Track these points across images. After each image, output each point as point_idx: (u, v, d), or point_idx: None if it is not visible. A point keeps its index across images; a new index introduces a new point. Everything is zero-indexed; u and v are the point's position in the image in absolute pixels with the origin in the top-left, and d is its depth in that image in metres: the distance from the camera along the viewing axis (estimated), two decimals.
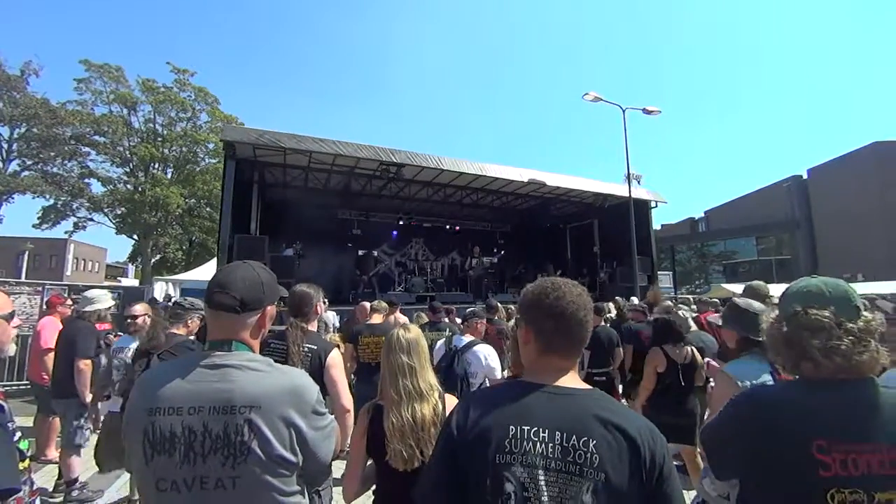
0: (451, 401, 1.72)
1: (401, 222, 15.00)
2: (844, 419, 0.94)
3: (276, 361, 1.22)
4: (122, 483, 4.09)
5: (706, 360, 2.43)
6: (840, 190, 29.67)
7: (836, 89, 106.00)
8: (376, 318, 4.53)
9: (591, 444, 0.90)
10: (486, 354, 3.32)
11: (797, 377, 1.08)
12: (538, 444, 0.91)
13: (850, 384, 0.98)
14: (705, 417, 2.13)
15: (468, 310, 4.10)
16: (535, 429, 0.92)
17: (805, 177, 33.68)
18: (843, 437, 0.92)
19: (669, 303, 4.55)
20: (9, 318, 1.41)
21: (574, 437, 0.91)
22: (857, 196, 28.44)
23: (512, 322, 6.26)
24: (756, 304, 2.16)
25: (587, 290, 1.14)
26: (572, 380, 1.04)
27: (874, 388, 0.98)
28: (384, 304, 4.82)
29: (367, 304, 5.37)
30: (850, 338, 0.98)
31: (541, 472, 0.88)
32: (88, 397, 3.74)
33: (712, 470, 1.15)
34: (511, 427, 0.93)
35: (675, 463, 3.83)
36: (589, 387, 1.04)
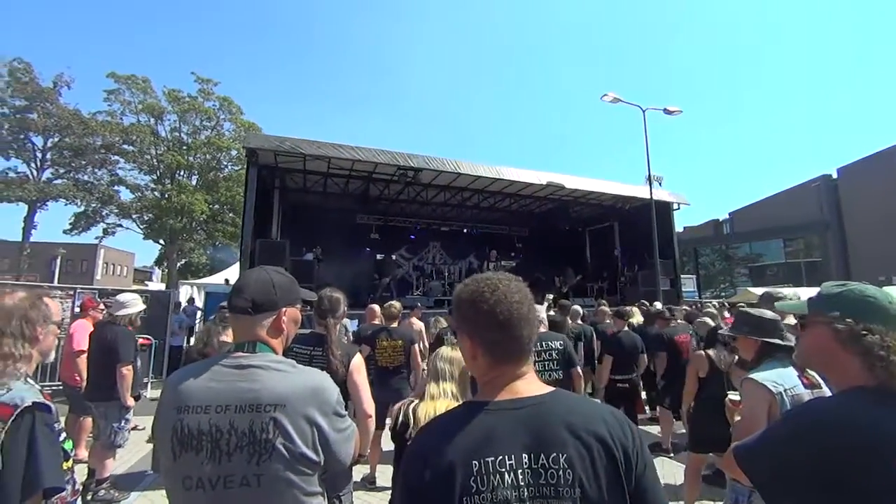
0: None
1: (418, 226, 15.06)
2: None
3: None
4: (147, 484, 4.19)
5: (728, 399, 2.39)
6: (873, 189, 28.53)
7: (868, 84, 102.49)
8: (392, 322, 4.53)
9: (561, 460, 0.82)
10: None
11: (851, 387, 1.04)
12: (506, 474, 0.81)
13: None
14: (732, 430, 2.08)
15: None
16: (501, 457, 0.82)
17: (835, 176, 32.56)
18: None
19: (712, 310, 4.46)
20: (59, 325, 1.48)
21: (542, 455, 0.83)
22: (892, 195, 27.31)
23: None
24: (767, 312, 2.18)
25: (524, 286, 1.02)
26: (531, 384, 0.94)
27: None
28: (398, 306, 4.73)
29: (377, 307, 5.39)
30: None
31: None
32: (130, 400, 3.86)
33: (766, 496, 1.07)
34: (474, 462, 0.81)
35: (707, 472, 3.62)
36: (549, 388, 0.95)
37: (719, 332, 3.47)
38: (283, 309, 1.26)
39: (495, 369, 0.94)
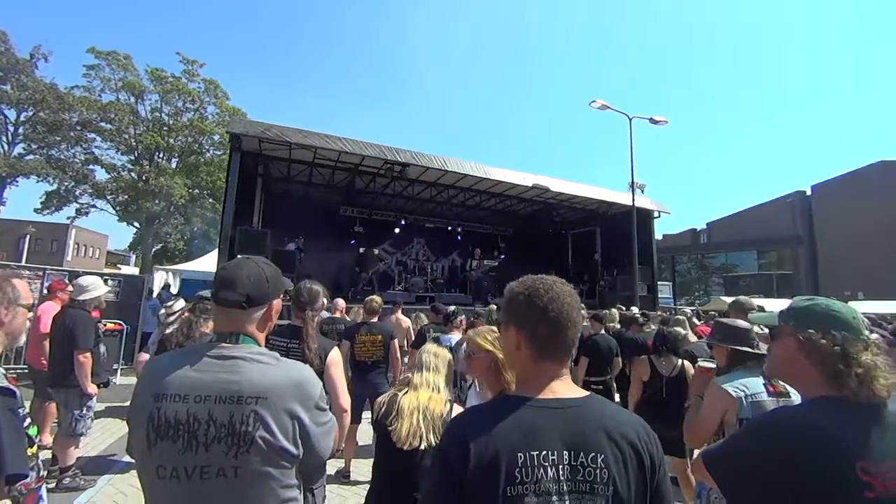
0: (459, 410, 1.79)
1: (403, 221, 15.02)
2: (876, 440, 0.96)
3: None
4: (117, 470, 4.10)
5: (697, 364, 2.53)
6: (844, 207, 29.68)
7: (843, 106, 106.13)
8: (372, 317, 4.50)
9: (598, 460, 0.89)
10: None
11: (815, 397, 1.09)
12: (549, 468, 0.88)
13: (871, 406, 1.01)
14: (685, 425, 2.21)
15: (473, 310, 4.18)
16: (545, 452, 0.88)
17: (809, 193, 33.69)
18: (879, 458, 0.94)
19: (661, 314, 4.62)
20: (29, 308, 1.42)
21: (582, 454, 0.89)
22: (862, 214, 28.44)
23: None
24: (741, 322, 2.30)
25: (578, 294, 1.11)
26: (568, 386, 1.01)
27: (888, 410, 1.01)
28: (378, 301, 4.63)
29: (341, 301, 5.45)
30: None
31: (554, 497, 0.87)
32: (90, 388, 3.73)
33: (730, 499, 1.12)
34: (519, 454, 0.87)
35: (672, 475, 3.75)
36: (585, 392, 1.02)
37: (699, 340, 3.60)
38: (273, 301, 1.26)
39: (538, 366, 1.01)
